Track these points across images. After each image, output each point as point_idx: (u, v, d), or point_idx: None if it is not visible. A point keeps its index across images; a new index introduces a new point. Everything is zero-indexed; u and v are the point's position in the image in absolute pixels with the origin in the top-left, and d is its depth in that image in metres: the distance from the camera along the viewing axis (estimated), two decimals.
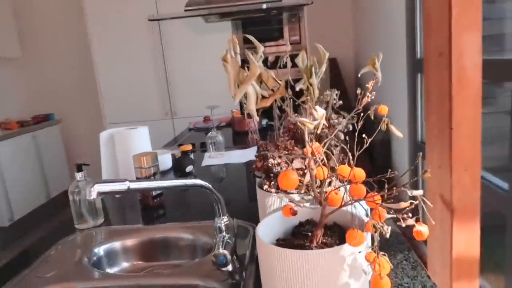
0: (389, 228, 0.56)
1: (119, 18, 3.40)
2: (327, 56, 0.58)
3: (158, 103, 3.56)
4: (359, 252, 0.54)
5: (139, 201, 1.26)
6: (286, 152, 0.76)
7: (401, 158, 2.49)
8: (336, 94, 0.88)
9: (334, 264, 0.54)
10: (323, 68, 0.59)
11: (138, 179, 1.22)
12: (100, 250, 0.99)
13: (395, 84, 2.49)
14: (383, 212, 0.57)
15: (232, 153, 1.87)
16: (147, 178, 1.22)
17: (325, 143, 0.68)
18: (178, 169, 1.61)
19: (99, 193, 0.67)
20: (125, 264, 1.02)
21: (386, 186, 0.57)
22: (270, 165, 0.75)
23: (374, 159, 2.71)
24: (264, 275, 0.62)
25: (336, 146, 0.82)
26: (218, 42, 3.27)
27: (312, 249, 0.60)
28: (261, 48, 0.52)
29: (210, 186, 0.80)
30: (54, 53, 4.10)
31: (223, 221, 0.82)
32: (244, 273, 0.83)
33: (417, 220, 0.52)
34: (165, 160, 1.64)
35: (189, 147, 1.71)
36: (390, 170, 0.57)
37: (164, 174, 1.62)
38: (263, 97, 0.57)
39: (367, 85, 0.61)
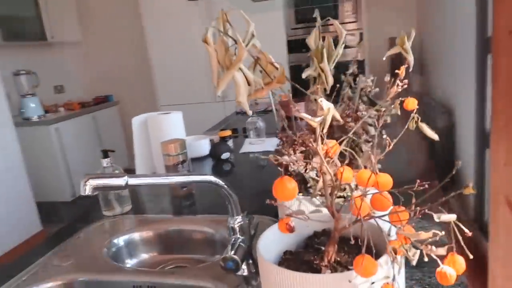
0: (417, 253, 0.45)
1: (172, 1, 3.40)
2: (344, 35, 0.47)
3: (209, 85, 3.54)
4: (372, 283, 0.43)
5: (169, 189, 1.23)
6: (304, 149, 0.66)
7: (467, 150, 2.24)
8: (372, 80, 0.76)
9: None
10: (340, 50, 0.48)
11: (166, 167, 1.18)
12: (120, 240, 0.97)
13: (463, 65, 2.23)
14: (410, 233, 0.46)
15: (274, 140, 1.78)
16: (175, 166, 1.18)
17: (342, 140, 0.57)
18: (214, 155, 1.56)
19: (94, 189, 0.62)
20: (144, 256, 0.98)
21: (414, 200, 0.45)
22: (285, 162, 0.65)
23: (436, 151, 2.47)
24: None
25: (368, 142, 0.70)
26: (267, 22, 3.15)
27: (320, 268, 0.50)
28: (251, 25, 0.42)
29: (222, 183, 0.73)
30: (112, 37, 4.23)
31: (237, 221, 0.74)
32: (259, 279, 0.75)
33: (449, 251, 0.40)
34: (202, 146, 1.60)
35: (227, 132, 1.65)
36: (453, 164, 0.45)
37: (200, 161, 1.57)
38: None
39: (397, 71, 0.49)
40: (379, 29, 3.25)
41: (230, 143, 1.64)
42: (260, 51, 0.43)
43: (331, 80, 0.48)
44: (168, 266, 0.96)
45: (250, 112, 0.45)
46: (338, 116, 0.47)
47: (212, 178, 0.73)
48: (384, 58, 0.48)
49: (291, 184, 0.44)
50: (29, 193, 3.00)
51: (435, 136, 0.47)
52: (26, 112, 3.39)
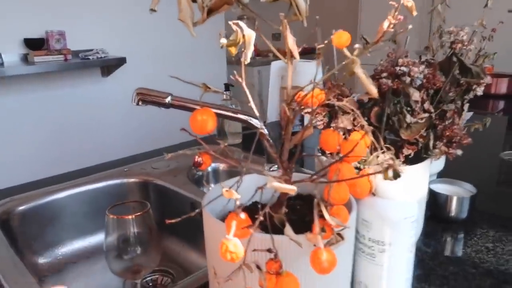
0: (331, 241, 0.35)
1: None
2: None
3: None
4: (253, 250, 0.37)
5: None
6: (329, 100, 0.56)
7: None
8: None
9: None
10: None
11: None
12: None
13: None
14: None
15: None
16: None
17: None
18: None
19: (141, 100, 0.70)
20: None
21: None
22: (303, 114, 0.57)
23: None
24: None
25: (411, 112, 0.54)
26: None
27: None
28: None
29: (262, 127, 0.70)
30: None
31: (270, 169, 0.71)
32: None
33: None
34: None
35: None
36: None
37: None
38: None
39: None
40: None
41: None
42: None
43: (303, 8, 0.38)
44: None
45: (194, 35, 0.41)
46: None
47: (255, 122, 0.71)
48: None
49: (202, 117, 0.40)
50: None
51: (374, 91, 0.32)
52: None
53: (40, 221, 0.84)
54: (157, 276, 0.85)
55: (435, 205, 0.72)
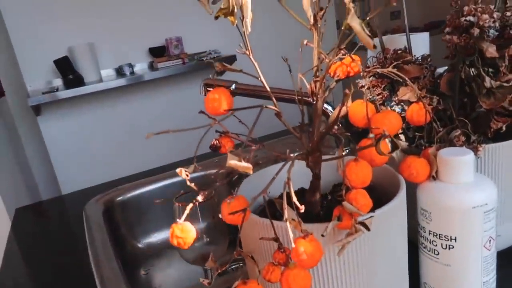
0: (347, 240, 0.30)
1: None
2: None
3: None
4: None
5: None
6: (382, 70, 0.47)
7: None
8: None
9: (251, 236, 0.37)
10: None
11: None
12: None
13: None
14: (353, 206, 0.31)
15: None
16: None
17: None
18: None
19: (207, 91, 0.71)
20: None
21: None
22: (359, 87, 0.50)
23: None
24: None
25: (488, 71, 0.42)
26: None
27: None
28: None
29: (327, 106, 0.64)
30: None
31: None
32: None
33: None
34: None
35: None
36: None
37: None
38: None
39: None
40: None
41: None
42: None
43: (369, 42, 0.28)
44: None
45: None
46: None
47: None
48: None
49: (214, 96, 0.37)
50: None
51: (370, 44, 0.24)
52: None
53: (139, 209, 0.93)
54: (241, 264, 0.86)
55: None
